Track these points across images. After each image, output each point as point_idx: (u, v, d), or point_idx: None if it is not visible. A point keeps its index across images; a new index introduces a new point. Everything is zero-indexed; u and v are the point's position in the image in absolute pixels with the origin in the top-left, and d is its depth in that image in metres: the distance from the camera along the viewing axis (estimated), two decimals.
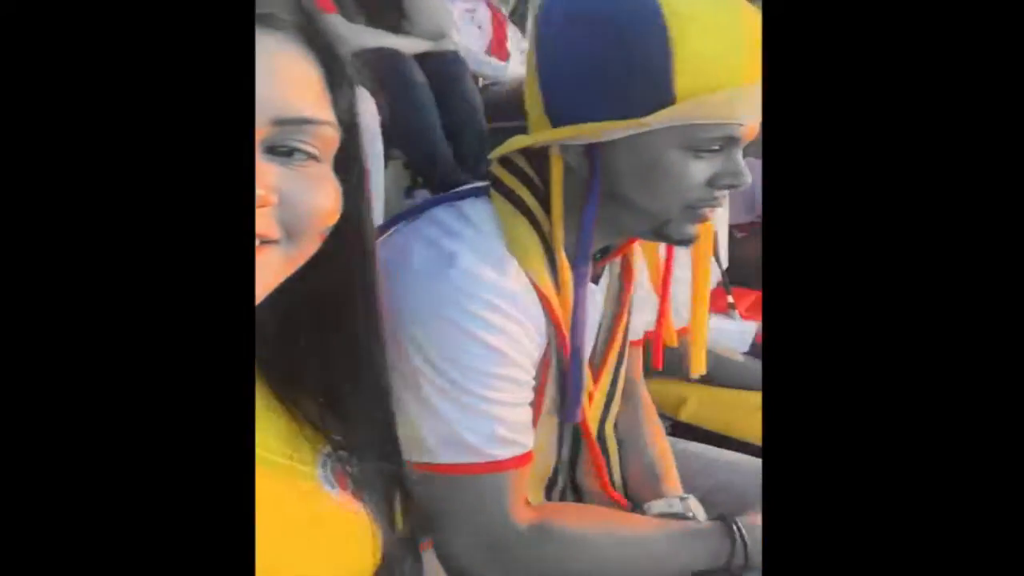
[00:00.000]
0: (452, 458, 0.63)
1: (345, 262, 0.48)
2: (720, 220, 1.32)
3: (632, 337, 0.84)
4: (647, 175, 0.63)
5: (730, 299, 1.26)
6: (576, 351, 0.67)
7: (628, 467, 0.82)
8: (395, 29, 1.80)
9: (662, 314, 0.80)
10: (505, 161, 0.68)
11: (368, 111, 1.49)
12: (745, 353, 1.23)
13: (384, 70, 1.60)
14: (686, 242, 0.68)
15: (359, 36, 1.69)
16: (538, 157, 0.67)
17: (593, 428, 0.77)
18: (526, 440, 0.66)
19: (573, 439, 0.75)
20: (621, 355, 0.79)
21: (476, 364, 0.61)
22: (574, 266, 0.66)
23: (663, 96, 0.59)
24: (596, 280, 0.75)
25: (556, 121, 0.64)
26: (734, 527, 0.69)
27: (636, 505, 0.79)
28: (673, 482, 0.82)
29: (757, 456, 0.99)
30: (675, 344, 0.83)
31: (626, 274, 0.78)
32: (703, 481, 0.92)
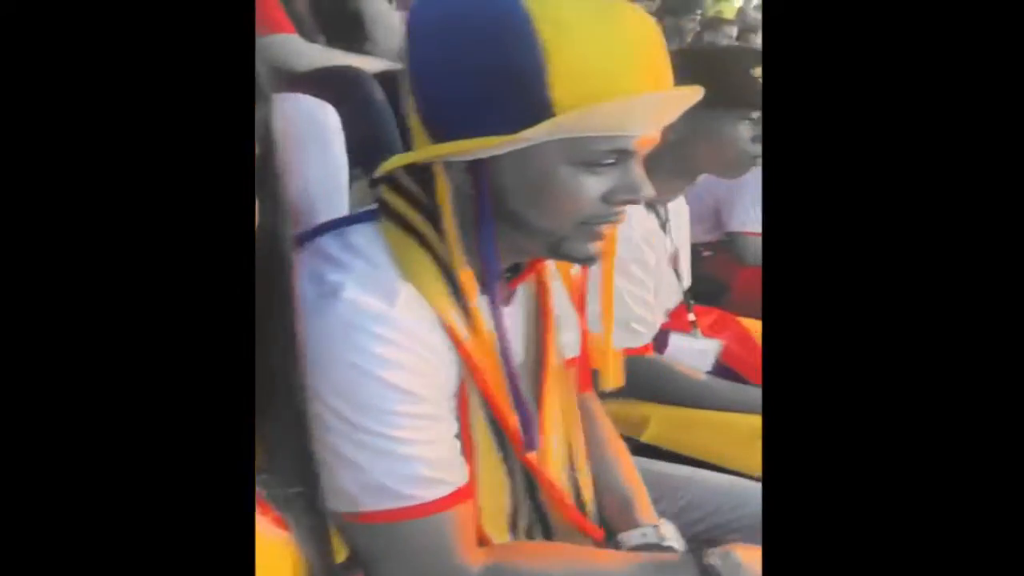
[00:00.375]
0: (377, 505, 0.60)
1: (261, 277, 0.46)
2: (683, 237, 1.31)
3: (571, 355, 0.81)
4: (536, 192, 0.60)
5: (691, 317, 1.24)
6: (512, 376, 0.64)
7: (600, 495, 0.79)
8: (357, 49, 1.78)
9: (583, 334, 0.76)
10: (392, 182, 0.65)
11: (331, 125, 1.45)
12: (708, 372, 1.21)
13: (343, 88, 1.57)
14: (586, 260, 0.65)
15: (316, 55, 1.67)
16: (425, 176, 0.63)
17: (558, 457, 0.73)
18: (455, 477, 0.63)
19: (525, 471, 0.72)
20: (562, 376, 0.76)
21: (378, 403, 0.58)
22: (485, 289, 0.63)
23: (540, 109, 0.57)
24: (508, 302, 0.71)
25: (434, 137, 0.61)
26: (706, 560, 0.64)
27: (610, 535, 0.76)
28: (646, 509, 0.79)
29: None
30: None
31: (541, 293, 0.75)
32: (673, 502, 0.91)
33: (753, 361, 1.24)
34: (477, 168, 0.61)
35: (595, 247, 0.64)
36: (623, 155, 0.61)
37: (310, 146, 1.30)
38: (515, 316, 0.72)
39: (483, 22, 0.58)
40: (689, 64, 1.15)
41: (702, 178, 1.16)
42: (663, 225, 1.20)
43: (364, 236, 0.63)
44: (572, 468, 0.75)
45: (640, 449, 1.10)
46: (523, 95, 0.57)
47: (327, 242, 0.63)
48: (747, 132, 1.12)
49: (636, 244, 1.12)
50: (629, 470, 0.82)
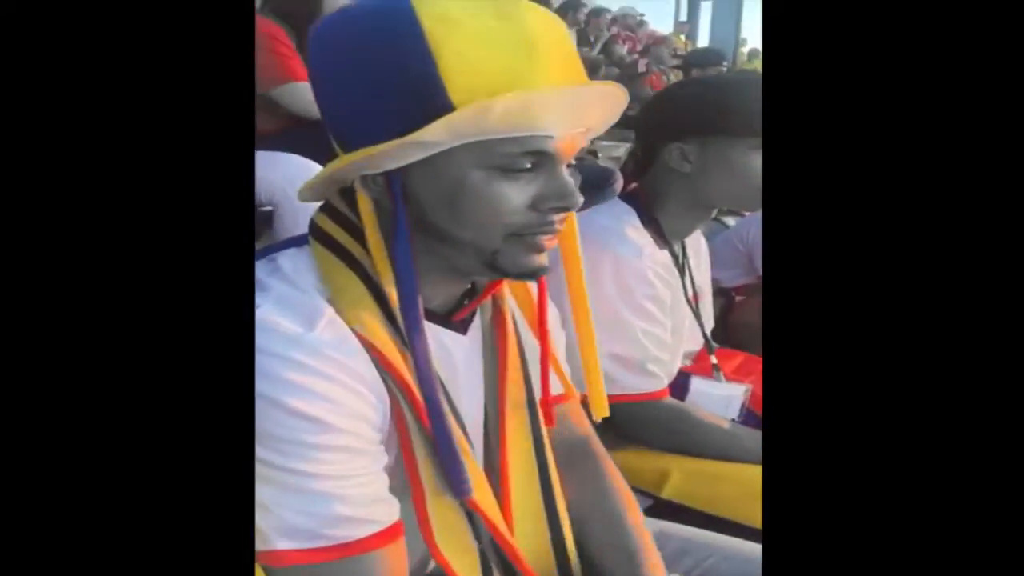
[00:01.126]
0: (289, 544, 0.53)
1: None
2: (703, 276, 1.22)
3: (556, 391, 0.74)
4: (452, 201, 0.57)
5: (713, 360, 1.13)
6: (436, 412, 0.57)
7: (603, 552, 0.69)
8: None
9: (543, 361, 0.70)
10: (324, 205, 0.63)
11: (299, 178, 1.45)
12: (734, 420, 1.10)
13: None
14: (526, 275, 0.60)
15: None
16: (352, 196, 0.61)
17: (527, 505, 0.66)
18: (383, 515, 0.57)
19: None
20: (533, 415, 0.69)
21: (285, 435, 0.52)
22: (403, 312, 0.57)
23: (441, 111, 0.52)
24: (464, 329, 0.66)
25: (344, 149, 0.58)
26: None
27: None
28: (655, 566, 0.69)
29: (749, 539, 0.86)
30: (575, 397, 0.75)
31: (497, 320, 0.69)
32: (686, 569, 0.81)
33: None
34: (392, 179, 0.57)
35: (536, 260, 0.59)
36: (541, 158, 0.57)
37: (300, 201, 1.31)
38: (470, 345, 0.66)
39: (370, 27, 0.55)
40: (699, 91, 1.10)
41: (732, 222, 1.09)
42: (678, 262, 1.11)
43: (292, 260, 0.60)
44: (551, 518, 0.67)
45: (658, 507, 0.99)
46: (418, 97, 0.54)
47: (256, 268, 0.60)
48: (760, 161, 1.04)
49: (649, 280, 1.03)
50: (636, 522, 0.72)
